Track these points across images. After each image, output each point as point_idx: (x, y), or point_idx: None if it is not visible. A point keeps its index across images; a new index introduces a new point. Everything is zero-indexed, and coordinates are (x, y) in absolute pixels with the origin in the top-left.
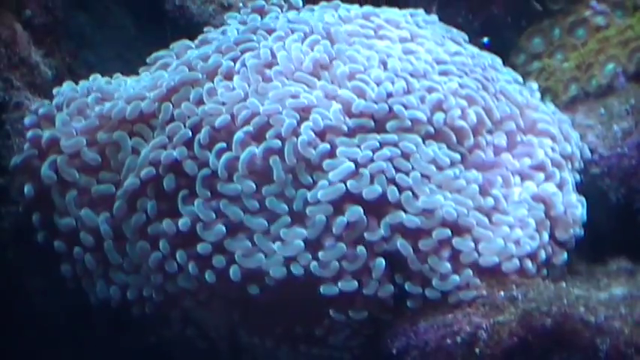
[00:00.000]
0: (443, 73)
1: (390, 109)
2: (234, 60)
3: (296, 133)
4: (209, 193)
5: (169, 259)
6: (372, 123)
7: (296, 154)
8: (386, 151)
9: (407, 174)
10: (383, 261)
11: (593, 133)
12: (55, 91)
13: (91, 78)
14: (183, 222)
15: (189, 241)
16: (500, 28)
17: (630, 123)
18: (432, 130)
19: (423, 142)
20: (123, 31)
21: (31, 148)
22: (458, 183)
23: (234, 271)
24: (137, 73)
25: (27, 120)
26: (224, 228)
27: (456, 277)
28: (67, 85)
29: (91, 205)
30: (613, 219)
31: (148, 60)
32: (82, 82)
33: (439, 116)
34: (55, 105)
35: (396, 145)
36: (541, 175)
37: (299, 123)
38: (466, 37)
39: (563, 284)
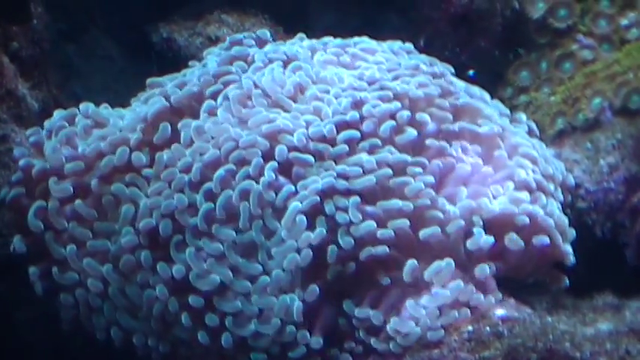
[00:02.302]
0: (395, 78)
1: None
2: (215, 94)
3: (263, 171)
4: (199, 242)
5: (167, 308)
6: (329, 147)
7: (260, 203)
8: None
9: (345, 210)
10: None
11: (579, 168)
12: (45, 123)
13: (82, 106)
14: (177, 269)
15: (183, 289)
16: (488, 62)
17: (617, 158)
18: (378, 142)
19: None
20: (111, 62)
21: (19, 185)
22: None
23: (225, 339)
24: (124, 105)
25: (17, 151)
26: (218, 278)
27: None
28: (58, 113)
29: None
30: (599, 254)
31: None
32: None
33: (387, 125)
34: (45, 131)
35: (344, 175)
36: (525, 193)
37: (266, 157)
38: (452, 70)
39: (549, 319)
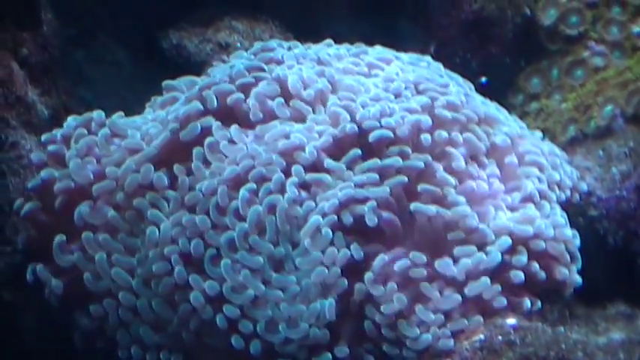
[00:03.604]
0: (420, 92)
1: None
2: (246, 86)
3: (284, 186)
4: (235, 256)
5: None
6: (342, 166)
7: (287, 219)
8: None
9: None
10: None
11: (591, 176)
12: (60, 130)
13: (96, 114)
14: (209, 285)
15: (218, 300)
16: (499, 68)
17: (629, 166)
18: (408, 150)
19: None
20: (119, 68)
21: (34, 198)
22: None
23: (254, 346)
24: (133, 111)
25: (34, 156)
26: (253, 293)
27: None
28: (72, 119)
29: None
30: (611, 262)
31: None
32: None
33: (424, 137)
34: (60, 137)
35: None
36: (531, 207)
37: (286, 171)
38: (472, 86)
39: (561, 329)
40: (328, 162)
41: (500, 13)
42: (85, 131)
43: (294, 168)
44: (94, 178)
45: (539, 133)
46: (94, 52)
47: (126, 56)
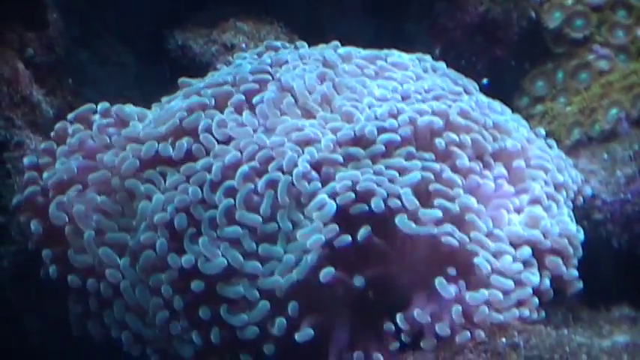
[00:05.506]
0: (435, 98)
1: (370, 135)
2: (248, 92)
3: (295, 165)
4: (215, 234)
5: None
6: (361, 151)
7: (288, 192)
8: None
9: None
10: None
11: (596, 179)
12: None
13: (100, 105)
14: (186, 259)
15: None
16: (504, 71)
17: (634, 169)
18: (413, 150)
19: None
20: (125, 68)
21: (31, 187)
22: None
23: (214, 334)
24: None
25: (26, 160)
26: (225, 261)
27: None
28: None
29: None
30: (615, 265)
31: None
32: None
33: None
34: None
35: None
36: (538, 207)
37: (299, 156)
38: (477, 86)
39: (565, 331)
40: (349, 149)
41: (506, 16)
42: (81, 127)
43: (308, 149)
44: (79, 172)
45: (542, 131)
46: (99, 53)
47: (131, 57)
